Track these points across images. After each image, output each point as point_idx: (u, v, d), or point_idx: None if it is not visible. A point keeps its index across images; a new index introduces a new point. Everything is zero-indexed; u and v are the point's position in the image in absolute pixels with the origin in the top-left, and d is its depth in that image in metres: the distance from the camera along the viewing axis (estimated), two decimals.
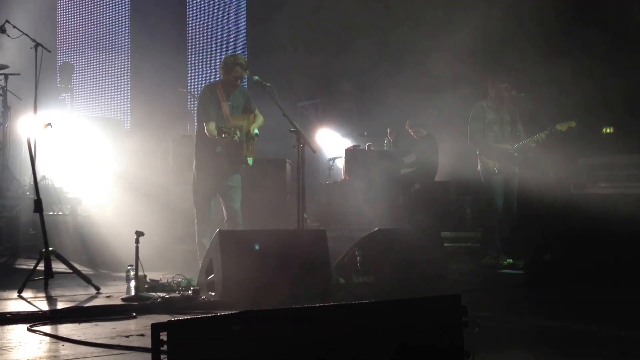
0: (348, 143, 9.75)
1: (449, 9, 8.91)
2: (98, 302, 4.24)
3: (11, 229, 6.71)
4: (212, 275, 4.35)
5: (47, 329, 3.38)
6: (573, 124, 6.59)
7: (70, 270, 4.73)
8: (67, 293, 4.54)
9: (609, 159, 7.57)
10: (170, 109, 10.33)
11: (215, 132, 5.33)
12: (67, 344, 3.04)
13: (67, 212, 7.08)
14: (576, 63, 7.72)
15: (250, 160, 5.61)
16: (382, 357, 2.23)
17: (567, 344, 3.28)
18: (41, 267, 4.51)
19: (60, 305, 4.05)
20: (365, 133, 9.67)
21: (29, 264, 5.42)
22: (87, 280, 4.66)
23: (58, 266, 4.71)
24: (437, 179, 8.59)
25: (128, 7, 11.15)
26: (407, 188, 8.36)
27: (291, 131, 5.21)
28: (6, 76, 6.99)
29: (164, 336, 1.90)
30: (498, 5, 8.18)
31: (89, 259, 6.19)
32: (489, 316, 3.83)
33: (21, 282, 4.41)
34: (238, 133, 5.39)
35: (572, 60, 7.76)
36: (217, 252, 4.28)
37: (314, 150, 5.51)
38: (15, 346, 3.00)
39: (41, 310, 3.84)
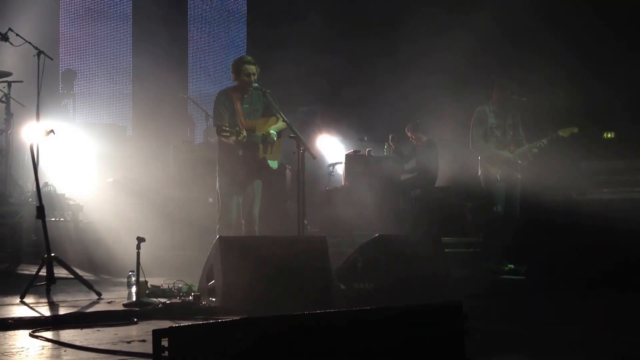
0: (348, 149, 9.75)
1: (449, 13, 8.93)
2: (100, 307, 4.26)
3: (14, 235, 6.70)
4: (213, 281, 4.36)
5: (49, 334, 3.38)
6: (576, 129, 6.57)
7: (72, 276, 4.73)
8: (69, 299, 4.55)
9: (611, 164, 7.58)
10: (172, 115, 10.35)
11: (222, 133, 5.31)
12: (69, 350, 3.05)
13: (69, 219, 7.08)
14: (578, 68, 7.74)
15: (273, 164, 5.58)
16: None
17: (569, 351, 3.27)
18: (43, 272, 4.52)
19: (62, 311, 4.06)
20: (365, 138, 9.65)
21: (31, 270, 5.42)
22: (88, 285, 4.68)
23: (60, 272, 4.71)
24: (437, 184, 8.58)
25: (130, 14, 11.20)
26: (407, 194, 8.36)
27: (291, 137, 5.22)
28: (9, 83, 7.01)
29: (165, 342, 1.91)
30: (500, 10, 8.20)
31: (91, 265, 6.19)
32: (490, 322, 3.83)
33: (23, 287, 4.42)
34: (244, 132, 5.36)
35: (573, 66, 7.78)
36: (218, 258, 4.29)
37: (314, 157, 5.51)
38: (17, 352, 3.00)
39: (43, 316, 3.85)
